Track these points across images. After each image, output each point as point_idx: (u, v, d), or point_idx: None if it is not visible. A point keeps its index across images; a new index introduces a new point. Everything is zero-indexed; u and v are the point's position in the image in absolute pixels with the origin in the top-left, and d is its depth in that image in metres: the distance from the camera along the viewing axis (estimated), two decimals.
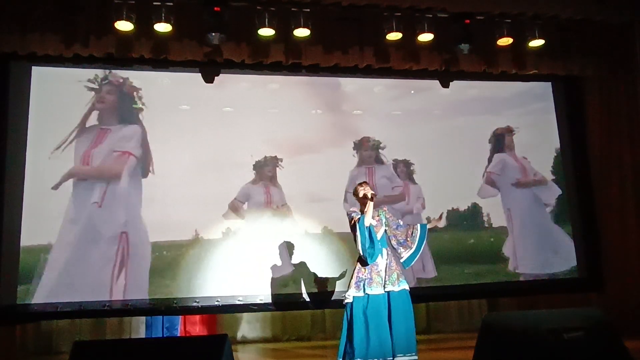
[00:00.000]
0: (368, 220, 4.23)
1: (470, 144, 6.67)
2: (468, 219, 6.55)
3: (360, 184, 4.44)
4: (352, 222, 4.30)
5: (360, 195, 4.36)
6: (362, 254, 4.22)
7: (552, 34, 6.20)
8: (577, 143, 6.82)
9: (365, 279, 4.19)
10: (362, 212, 4.30)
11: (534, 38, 6.01)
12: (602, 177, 6.61)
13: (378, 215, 4.41)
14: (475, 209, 6.58)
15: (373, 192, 4.30)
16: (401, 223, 4.50)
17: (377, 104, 6.58)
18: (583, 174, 6.74)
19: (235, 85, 6.27)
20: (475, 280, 6.29)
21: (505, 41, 6.00)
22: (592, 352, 3.68)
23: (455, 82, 6.66)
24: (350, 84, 6.57)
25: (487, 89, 6.82)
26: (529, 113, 6.89)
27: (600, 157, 6.64)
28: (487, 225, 6.57)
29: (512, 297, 6.70)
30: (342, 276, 5.60)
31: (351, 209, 4.47)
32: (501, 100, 6.86)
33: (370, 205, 4.23)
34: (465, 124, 6.70)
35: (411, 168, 6.50)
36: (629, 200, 6.39)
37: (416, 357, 4.14)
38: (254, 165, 6.13)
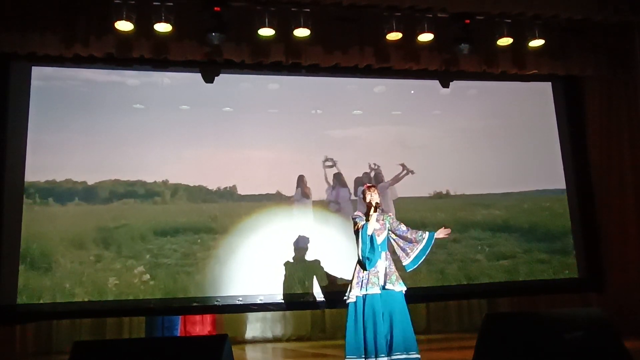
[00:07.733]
0: (371, 228, 4.30)
1: (470, 144, 6.67)
2: None
3: (369, 187, 4.47)
4: (356, 227, 4.39)
5: (367, 200, 4.40)
6: (362, 259, 4.31)
7: (552, 34, 6.19)
8: (577, 143, 6.80)
9: (364, 279, 4.29)
10: (367, 216, 4.35)
11: (534, 38, 6.00)
12: (602, 176, 6.60)
13: (383, 220, 4.45)
14: None
15: (378, 202, 4.35)
16: (404, 228, 4.48)
17: (377, 104, 6.58)
18: (583, 174, 6.73)
19: (235, 85, 6.27)
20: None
21: (505, 41, 5.99)
22: (592, 352, 3.68)
23: (455, 82, 6.65)
24: (350, 84, 6.57)
25: (487, 89, 6.82)
26: (528, 113, 6.87)
27: (600, 157, 6.63)
28: None
29: (512, 297, 6.70)
30: (341, 277, 5.60)
31: (355, 213, 4.52)
32: (501, 100, 6.86)
33: (374, 214, 4.29)
34: (465, 124, 6.70)
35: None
36: (629, 200, 6.38)
37: (418, 356, 4.20)
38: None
